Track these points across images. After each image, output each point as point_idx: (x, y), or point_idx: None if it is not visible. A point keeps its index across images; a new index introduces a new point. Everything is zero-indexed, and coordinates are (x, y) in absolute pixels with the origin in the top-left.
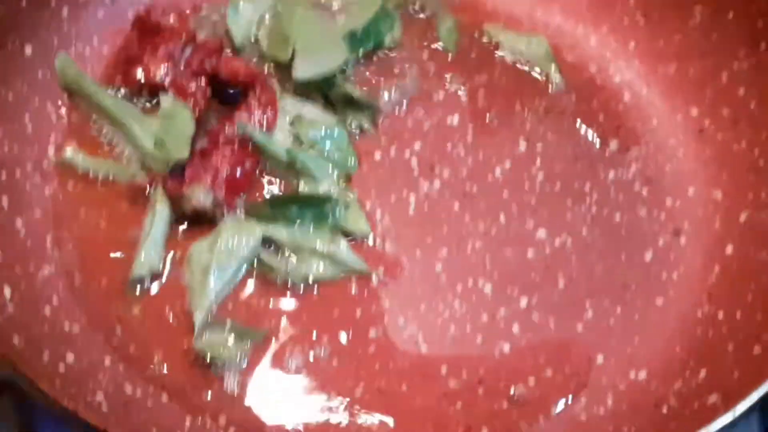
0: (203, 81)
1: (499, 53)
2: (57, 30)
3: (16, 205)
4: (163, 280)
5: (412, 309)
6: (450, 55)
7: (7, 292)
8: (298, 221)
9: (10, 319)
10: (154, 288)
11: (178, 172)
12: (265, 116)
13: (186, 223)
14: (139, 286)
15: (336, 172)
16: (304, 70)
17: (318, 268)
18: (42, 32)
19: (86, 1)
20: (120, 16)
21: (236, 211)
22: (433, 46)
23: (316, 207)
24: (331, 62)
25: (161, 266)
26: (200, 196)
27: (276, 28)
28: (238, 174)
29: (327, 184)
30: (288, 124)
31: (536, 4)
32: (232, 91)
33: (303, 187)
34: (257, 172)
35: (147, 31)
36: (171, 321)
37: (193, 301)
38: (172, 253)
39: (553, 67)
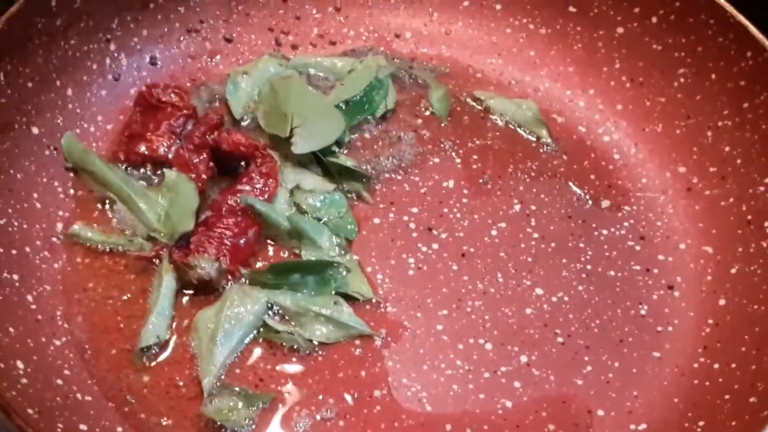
0: (205, 154)
1: (491, 117)
2: (62, 109)
3: (27, 280)
4: (170, 348)
5: (415, 368)
6: (443, 121)
7: (20, 364)
8: (302, 287)
9: (24, 391)
10: (163, 356)
11: (183, 243)
12: (266, 186)
13: (192, 291)
14: (146, 355)
15: (336, 238)
16: (303, 146)
17: (322, 331)
18: (48, 112)
19: (90, 80)
20: (123, 93)
21: (241, 279)
22: (427, 113)
23: (317, 273)
24: (328, 136)
25: (168, 335)
26: (206, 265)
27: (273, 104)
28: (242, 243)
29: (328, 250)
30: (288, 193)
31: (525, 70)
32: (234, 164)
33: (305, 253)
34: (260, 240)
35: (149, 107)
36: (180, 387)
37: (201, 367)
38: (177, 321)
39: (543, 129)
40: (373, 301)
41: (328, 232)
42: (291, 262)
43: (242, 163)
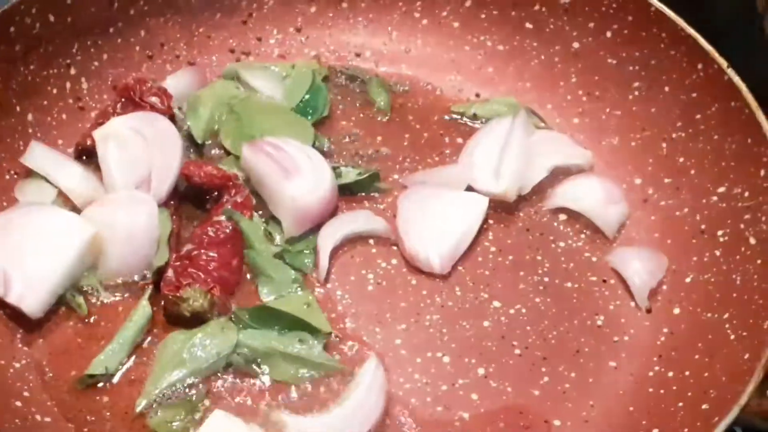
0: None
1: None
2: (23, 134)
3: None
4: (130, 366)
5: None
6: (387, 115)
7: None
8: (276, 328)
9: None
10: (119, 376)
11: (169, 276)
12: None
13: (183, 326)
14: (89, 382)
15: (292, 272)
16: None
17: (290, 372)
18: (8, 137)
19: (51, 105)
20: (85, 117)
21: (230, 311)
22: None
23: (301, 329)
24: (305, 141)
25: (117, 369)
26: (199, 297)
27: (237, 127)
28: (227, 274)
29: (283, 284)
30: (263, 224)
31: (483, 86)
32: (205, 196)
33: (261, 288)
34: (242, 269)
35: (130, 101)
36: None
37: (145, 385)
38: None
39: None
40: (333, 316)
41: (285, 267)
42: (277, 312)
43: (214, 194)
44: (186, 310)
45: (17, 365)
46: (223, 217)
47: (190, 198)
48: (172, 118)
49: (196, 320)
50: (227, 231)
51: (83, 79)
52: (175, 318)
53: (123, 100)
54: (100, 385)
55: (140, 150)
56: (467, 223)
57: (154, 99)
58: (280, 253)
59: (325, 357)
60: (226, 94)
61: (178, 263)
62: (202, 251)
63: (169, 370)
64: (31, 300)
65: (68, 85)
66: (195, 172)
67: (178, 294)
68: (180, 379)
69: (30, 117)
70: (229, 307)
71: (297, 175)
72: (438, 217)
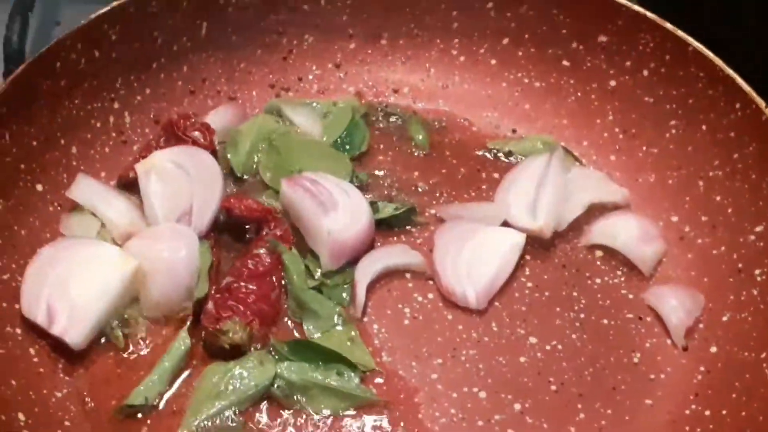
0: None
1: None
2: (67, 167)
3: (29, 334)
4: (170, 397)
5: (409, 416)
6: (425, 150)
7: (21, 416)
8: (313, 360)
9: None
10: (162, 405)
11: (209, 309)
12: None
13: (222, 358)
14: (129, 412)
15: (337, 307)
16: None
17: (327, 404)
18: (52, 170)
19: (94, 138)
20: (127, 150)
21: (269, 344)
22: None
23: (336, 361)
24: (343, 176)
25: (157, 400)
26: (239, 330)
27: (277, 161)
28: (266, 307)
29: (328, 320)
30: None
31: (520, 123)
32: (244, 230)
33: (306, 324)
34: (282, 302)
35: (173, 136)
36: None
37: (189, 410)
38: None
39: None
40: (370, 349)
41: (328, 302)
42: (315, 346)
43: (253, 227)
44: (225, 343)
45: (59, 394)
46: (262, 250)
47: (230, 230)
48: (215, 153)
49: (235, 352)
50: (266, 264)
51: (126, 113)
52: (214, 350)
53: (166, 134)
54: (140, 415)
55: (181, 183)
56: (504, 259)
57: (197, 134)
58: (318, 287)
59: (363, 390)
60: (266, 129)
61: (218, 296)
62: (242, 284)
63: (208, 401)
64: (75, 332)
65: (111, 119)
66: (235, 205)
67: (217, 326)
68: (219, 410)
69: (74, 150)
70: (268, 340)
71: (334, 210)
72: (475, 253)
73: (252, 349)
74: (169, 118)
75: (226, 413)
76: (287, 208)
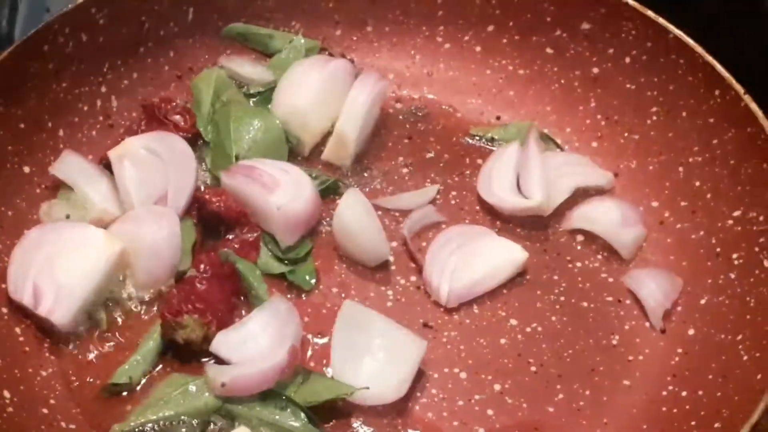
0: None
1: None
2: (54, 149)
3: (15, 313)
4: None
5: None
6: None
7: (6, 394)
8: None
9: (10, 419)
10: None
11: (171, 300)
12: (248, 256)
13: (171, 350)
14: (114, 391)
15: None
16: None
17: None
18: (39, 152)
19: (81, 121)
20: (114, 134)
21: None
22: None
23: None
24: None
25: (142, 379)
26: (196, 328)
27: (217, 141)
28: (224, 309)
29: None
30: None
31: (504, 110)
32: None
33: None
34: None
35: (154, 119)
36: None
37: (134, 411)
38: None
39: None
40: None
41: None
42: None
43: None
44: (180, 337)
45: (44, 373)
46: (222, 257)
47: (203, 223)
48: (197, 135)
49: (186, 349)
50: (234, 266)
51: (113, 97)
52: (169, 341)
53: (147, 117)
54: (125, 393)
55: (156, 168)
56: (493, 270)
57: (177, 117)
58: (283, 273)
59: (310, 429)
60: (219, 89)
61: (183, 287)
62: (205, 281)
63: (155, 407)
64: (61, 313)
65: (99, 102)
66: (213, 200)
67: (177, 319)
68: (159, 419)
69: (61, 133)
70: None
71: (277, 187)
72: (469, 255)
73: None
74: (150, 102)
75: (166, 421)
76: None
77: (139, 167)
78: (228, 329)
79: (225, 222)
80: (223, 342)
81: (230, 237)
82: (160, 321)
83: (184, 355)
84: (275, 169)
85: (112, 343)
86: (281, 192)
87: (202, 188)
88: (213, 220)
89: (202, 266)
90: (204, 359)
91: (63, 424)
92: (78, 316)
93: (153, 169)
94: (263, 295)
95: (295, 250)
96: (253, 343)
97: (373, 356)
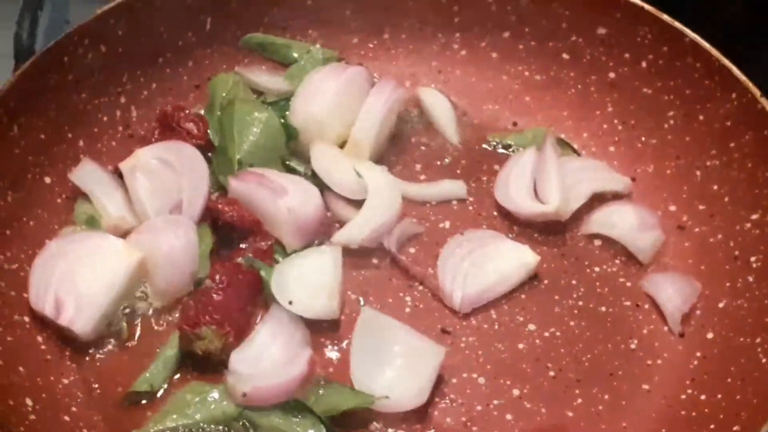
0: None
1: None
2: (74, 160)
3: (37, 322)
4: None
5: None
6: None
7: (29, 402)
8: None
9: (32, 427)
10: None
11: (189, 310)
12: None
13: (191, 362)
14: (135, 400)
15: None
16: None
17: None
18: (60, 162)
19: (101, 132)
20: (133, 144)
21: None
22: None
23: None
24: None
25: (164, 386)
26: (214, 339)
27: (222, 145)
28: (241, 319)
29: None
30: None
31: (521, 115)
32: (231, 235)
33: None
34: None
35: (167, 128)
36: None
37: (153, 417)
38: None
39: (567, 149)
40: None
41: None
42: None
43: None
44: (199, 348)
45: (66, 381)
46: (244, 262)
47: (216, 233)
48: (210, 142)
49: (205, 360)
50: (247, 275)
51: (133, 108)
52: (187, 353)
53: (161, 126)
54: (145, 401)
55: (168, 178)
56: (505, 275)
57: (190, 125)
58: None
59: None
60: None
61: (200, 298)
62: (221, 292)
63: (173, 414)
64: (82, 322)
65: (118, 113)
66: (226, 211)
67: (195, 331)
68: (179, 426)
69: (81, 143)
70: None
71: (286, 193)
72: (481, 260)
73: (223, 360)
74: (163, 110)
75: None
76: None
77: (152, 178)
78: (240, 346)
79: (238, 231)
80: (239, 359)
81: (243, 246)
82: (178, 332)
83: (204, 363)
84: (281, 178)
85: (132, 352)
86: (291, 196)
87: (215, 196)
88: (226, 229)
89: (217, 277)
90: (224, 368)
91: (85, 431)
92: (99, 325)
93: (165, 179)
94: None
95: None
96: (268, 355)
97: (393, 364)
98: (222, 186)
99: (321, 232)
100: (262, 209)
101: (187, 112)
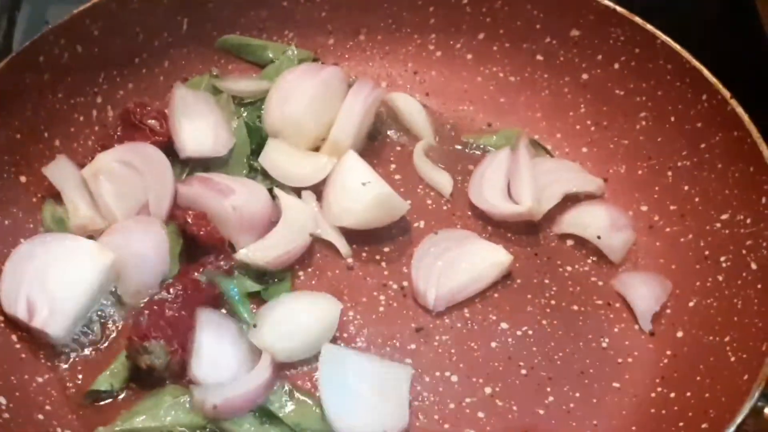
0: None
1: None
2: (50, 159)
3: (11, 321)
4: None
5: None
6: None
7: (2, 400)
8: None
9: (6, 425)
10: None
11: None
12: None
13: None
14: (93, 398)
15: None
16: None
17: None
18: (36, 162)
19: (77, 131)
20: (109, 143)
21: (184, 378)
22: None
23: None
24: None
25: (122, 385)
26: (161, 356)
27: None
28: (191, 339)
29: None
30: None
31: (495, 116)
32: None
33: None
34: None
35: (130, 125)
36: None
37: (121, 416)
38: None
39: (540, 150)
40: (345, 335)
41: None
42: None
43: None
44: (144, 362)
45: (40, 380)
46: (203, 278)
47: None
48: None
49: (145, 375)
50: (203, 294)
51: (109, 107)
52: (132, 363)
53: (123, 123)
54: (121, 399)
55: (132, 180)
56: (478, 273)
57: (153, 122)
58: (257, 292)
59: None
60: None
61: (153, 309)
62: (175, 307)
63: (140, 414)
64: (56, 324)
65: (94, 113)
66: (193, 225)
67: (143, 344)
68: (146, 428)
69: (57, 143)
70: (184, 374)
71: (232, 193)
72: (454, 259)
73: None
74: (126, 107)
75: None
76: (192, 207)
77: (115, 181)
78: (193, 358)
79: (202, 247)
80: (198, 371)
81: (205, 261)
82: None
83: (145, 376)
84: (228, 180)
85: (105, 352)
86: (236, 196)
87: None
88: (190, 243)
89: (172, 290)
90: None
91: (59, 429)
92: (72, 326)
93: (129, 181)
94: (247, 313)
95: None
96: (223, 359)
97: (364, 396)
98: None
99: (269, 226)
100: (210, 210)
101: (149, 108)
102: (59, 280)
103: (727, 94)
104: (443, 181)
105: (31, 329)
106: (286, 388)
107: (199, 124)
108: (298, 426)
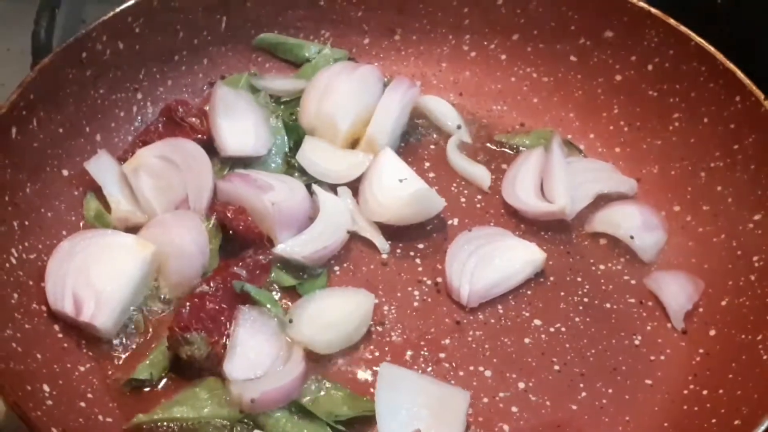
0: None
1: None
2: (91, 153)
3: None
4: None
5: None
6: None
7: (46, 388)
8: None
9: (49, 412)
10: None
11: (184, 311)
12: (256, 279)
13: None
14: (134, 386)
15: None
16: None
17: None
18: (77, 156)
19: (118, 126)
20: (150, 137)
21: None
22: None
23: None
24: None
25: (162, 375)
26: (202, 347)
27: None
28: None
29: None
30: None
31: (528, 116)
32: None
33: None
34: None
35: (171, 121)
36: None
37: (161, 405)
38: None
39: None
40: (380, 329)
41: None
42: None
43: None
44: (184, 353)
45: (82, 368)
46: (243, 272)
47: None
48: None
49: (186, 365)
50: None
51: (149, 104)
52: (174, 354)
53: (165, 119)
54: (158, 388)
55: (172, 175)
56: (511, 271)
57: (194, 120)
58: (293, 286)
59: None
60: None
61: (195, 301)
62: (217, 299)
63: (180, 405)
64: (103, 317)
65: (134, 108)
66: (232, 220)
67: (185, 334)
68: (183, 418)
69: (98, 137)
70: (221, 367)
71: (271, 189)
72: (488, 256)
73: (204, 369)
74: (167, 104)
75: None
76: (231, 203)
77: (155, 176)
78: (227, 355)
79: (241, 241)
80: (234, 367)
81: (244, 256)
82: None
83: (185, 367)
84: (267, 177)
85: (146, 342)
86: (275, 192)
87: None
88: (230, 237)
89: (212, 283)
90: (207, 375)
91: (100, 417)
92: (119, 319)
93: (169, 177)
94: (279, 310)
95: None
96: (257, 354)
97: (420, 417)
98: None
99: (306, 222)
100: (249, 206)
101: (190, 106)
102: (102, 275)
103: (760, 95)
104: (481, 174)
105: (78, 323)
106: (315, 377)
107: (240, 124)
108: (330, 415)
